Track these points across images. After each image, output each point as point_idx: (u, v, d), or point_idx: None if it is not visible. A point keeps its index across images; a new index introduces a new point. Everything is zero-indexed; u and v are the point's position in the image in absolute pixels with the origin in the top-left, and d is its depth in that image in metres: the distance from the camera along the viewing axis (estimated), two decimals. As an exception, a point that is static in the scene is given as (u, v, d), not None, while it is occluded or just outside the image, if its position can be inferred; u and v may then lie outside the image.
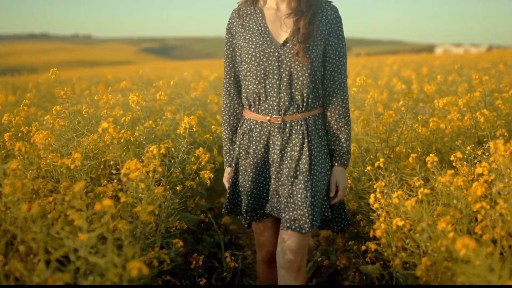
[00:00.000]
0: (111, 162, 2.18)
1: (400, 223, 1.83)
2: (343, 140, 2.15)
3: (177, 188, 2.45)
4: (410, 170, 2.47)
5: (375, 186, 2.04)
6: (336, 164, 2.17)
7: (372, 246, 2.15)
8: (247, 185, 2.13)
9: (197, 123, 3.43)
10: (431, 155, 2.03)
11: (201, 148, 2.57)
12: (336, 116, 2.13)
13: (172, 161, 2.45)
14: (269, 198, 2.11)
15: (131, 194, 1.84)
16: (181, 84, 6.55)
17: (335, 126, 2.14)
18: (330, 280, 3.05)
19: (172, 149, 2.45)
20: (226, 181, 2.29)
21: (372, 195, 2.02)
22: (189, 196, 2.83)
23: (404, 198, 1.90)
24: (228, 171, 2.27)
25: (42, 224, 1.44)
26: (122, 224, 1.50)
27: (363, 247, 2.36)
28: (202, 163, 2.57)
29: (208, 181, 2.53)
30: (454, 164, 2.16)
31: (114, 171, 2.03)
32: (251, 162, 2.11)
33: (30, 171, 1.90)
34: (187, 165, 2.65)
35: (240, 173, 2.17)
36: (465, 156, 2.26)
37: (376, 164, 2.25)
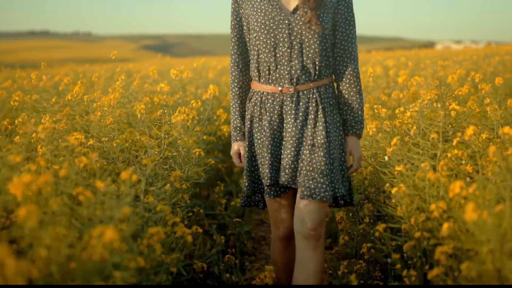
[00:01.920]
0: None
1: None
2: (355, 109, 2.11)
3: (204, 137, 3.39)
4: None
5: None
6: (349, 133, 2.13)
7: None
8: (267, 157, 2.09)
9: (213, 97, 4.37)
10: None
11: (221, 109, 3.51)
12: (348, 85, 2.11)
13: (201, 116, 3.41)
14: (285, 169, 2.06)
15: (177, 132, 2.77)
16: (193, 72, 7.51)
17: (347, 95, 2.12)
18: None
19: (201, 108, 3.38)
20: (234, 154, 2.25)
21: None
22: (210, 148, 3.78)
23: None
24: (237, 145, 2.24)
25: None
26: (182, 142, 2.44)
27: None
28: (221, 120, 3.51)
29: (226, 133, 3.47)
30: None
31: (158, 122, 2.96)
32: (267, 134, 2.08)
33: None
34: (209, 125, 3.58)
35: (257, 147, 2.13)
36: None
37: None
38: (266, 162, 2.09)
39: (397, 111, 2.97)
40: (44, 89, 4.00)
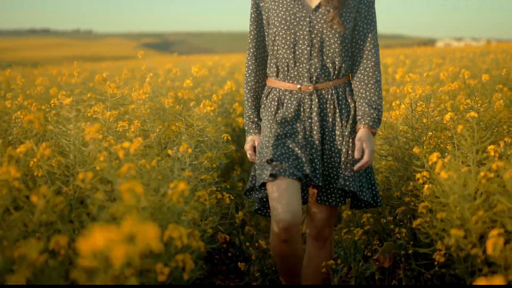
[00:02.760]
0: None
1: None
2: (369, 103, 2.02)
3: (222, 128, 3.82)
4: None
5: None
6: (361, 126, 2.01)
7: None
8: (275, 144, 1.99)
9: (230, 92, 4.81)
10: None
11: (236, 103, 3.95)
12: (365, 82, 2.03)
13: (220, 109, 3.84)
14: (309, 165, 1.97)
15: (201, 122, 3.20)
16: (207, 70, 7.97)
17: (362, 90, 2.04)
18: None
19: (219, 102, 3.81)
20: (249, 148, 2.17)
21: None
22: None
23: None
24: (252, 138, 2.17)
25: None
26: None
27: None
28: (237, 113, 3.94)
29: (240, 125, 3.89)
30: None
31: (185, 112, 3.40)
32: (282, 133, 2.00)
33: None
34: (225, 118, 4.01)
35: (266, 142, 2.02)
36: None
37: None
38: (274, 151, 1.97)
39: (393, 104, 3.40)
40: (76, 85, 4.43)
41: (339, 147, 2.02)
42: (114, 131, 2.40)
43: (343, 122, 2.03)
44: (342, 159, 2.00)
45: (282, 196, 1.91)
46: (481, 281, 0.99)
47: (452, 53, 11.61)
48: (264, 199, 2.11)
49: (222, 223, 2.84)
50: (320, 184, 1.99)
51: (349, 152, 2.02)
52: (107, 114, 2.25)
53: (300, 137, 2.00)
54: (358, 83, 2.05)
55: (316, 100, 2.01)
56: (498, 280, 0.96)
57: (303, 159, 1.96)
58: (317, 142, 2.01)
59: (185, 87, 3.55)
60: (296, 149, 1.97)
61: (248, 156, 2.16)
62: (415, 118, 2.70)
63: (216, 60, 8.88)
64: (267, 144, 2.01)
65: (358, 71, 2.04)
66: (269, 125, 2.03)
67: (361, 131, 2.01)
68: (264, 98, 2.12)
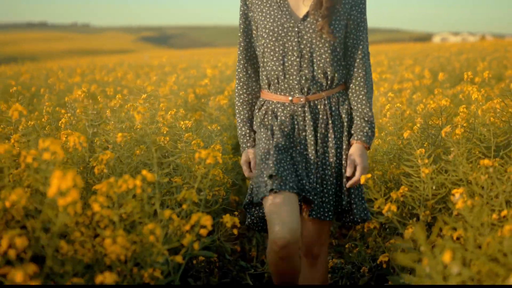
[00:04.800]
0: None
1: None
2: (361, 115, 2.00)
3: (231, 117, 4.83)
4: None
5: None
6: (354, 140, 2.00)
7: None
8: (272, 163, 1.90)
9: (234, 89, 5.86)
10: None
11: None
12: (351, 92, 2.02)
13: (229, 103, 4.86)
14: (296, 178, 1.92)
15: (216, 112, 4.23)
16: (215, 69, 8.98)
17: (354, 102, 2.02)
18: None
19: (229, 96, 4.81)
20: (244, 164, 2.07)
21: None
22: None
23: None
24: (248, 152, 2.07)
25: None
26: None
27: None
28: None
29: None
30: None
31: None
32: (280, 145, 1.95)
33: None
34: (233, 109, 5.03)
35: (262, 156, 1.96)
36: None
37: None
38: (272, 165, 1.90)
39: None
40: (105, 82, 5.47)
41: (332, 160, 1.99)
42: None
43: (336, 134, 2.01)
44: (332, 177, 1.98)
45: (280, 212, 1.85)
46: None
47: (436, 51, 12.65)
48: (261, 214, 2.04)
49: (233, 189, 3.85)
50: (313, 198, 1.96)
51: (344, 166, 1.99)
52: (159, 105, 3.25)
53: (296, 150, 1.99)
54: (350, 94, 2.04)
55: (309, 112, 1.98)
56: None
57: (301, 173, 1.95)
58: (311, 155, 1.98)
59: (203, 85, 4.57)
60: (293, 163, 1.95)
61: (244, 172, 2.07)
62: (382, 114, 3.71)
63: (224, 61, 9.90)
64: (264, 159, 1.95)
65: (349, 81, 2.03)
66: (264, 139, 1.99)
67: (354, 147, 2.00)
68: (257, 111, 2.08)
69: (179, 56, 24.03)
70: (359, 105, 2.02)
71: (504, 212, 1.37)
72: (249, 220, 2.06)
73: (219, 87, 5.62)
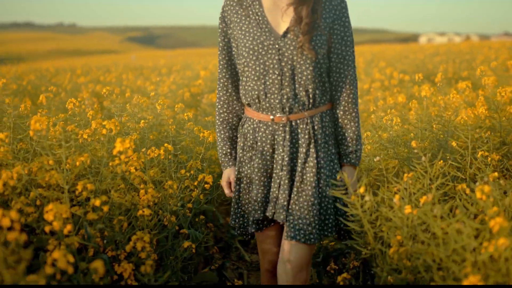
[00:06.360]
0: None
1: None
2: (349, 138, 1.99)
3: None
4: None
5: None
6: (343, 163, 2.01)
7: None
8: (255, 191, 1.98)
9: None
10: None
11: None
12: (342, 112, 1.99)
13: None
14: (273, 203, 1.95)
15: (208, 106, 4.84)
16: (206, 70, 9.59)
17: (341, 124, 1.99)
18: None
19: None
20: (224, 182, 2.11)
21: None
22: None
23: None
24: (229, 171, 2.10)
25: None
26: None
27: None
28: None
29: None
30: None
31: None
32: (259, 166, 1.97)
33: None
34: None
35: (244, 179, 2.02)
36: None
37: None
38: (253, 196, 1.98)
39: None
40: (107, 82, 6.05)
41: (312, 179, 1.93)
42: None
43: (319, 153, 1.96)
44: (312, 197, 1.92)
45: (261, 246, 2.09)
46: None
47: (413, 53, 13.39)
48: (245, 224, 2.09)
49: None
50: (284, 220, 1.94)
51: (322, 188, 1.94)
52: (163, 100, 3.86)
53: (274, 173, 1.97)
54: (338, 118, 2.00)
55: (289, 132, 1.94)
56: None
57: (276, 195, 1.96)
58: (283, 177, 1.94)
59: (197, 84, 5.19)
60: (269, 187, 1.98)
61: (225, 191, 2.12)
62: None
63: (214, 63, 10.51)
64: (245, 184, 2.03)
65: (338, 102, 1.99)
66: (245, 161, 2.03)
67: (346, 171, 2.00)
68: (241, 127, 2.07)
69: (167, 57, 24.64)
70: (346, 121, 2.00)
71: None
72: (237, 232, 2.11)
73: (210, 87, 6.23)
